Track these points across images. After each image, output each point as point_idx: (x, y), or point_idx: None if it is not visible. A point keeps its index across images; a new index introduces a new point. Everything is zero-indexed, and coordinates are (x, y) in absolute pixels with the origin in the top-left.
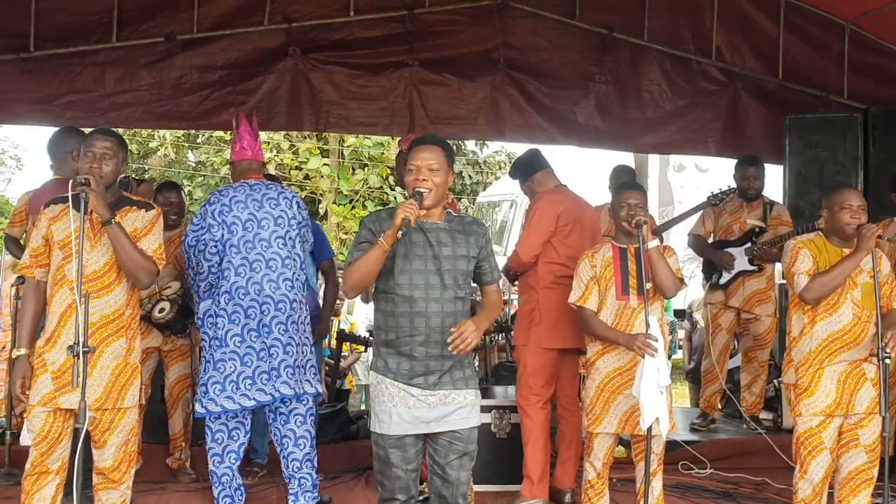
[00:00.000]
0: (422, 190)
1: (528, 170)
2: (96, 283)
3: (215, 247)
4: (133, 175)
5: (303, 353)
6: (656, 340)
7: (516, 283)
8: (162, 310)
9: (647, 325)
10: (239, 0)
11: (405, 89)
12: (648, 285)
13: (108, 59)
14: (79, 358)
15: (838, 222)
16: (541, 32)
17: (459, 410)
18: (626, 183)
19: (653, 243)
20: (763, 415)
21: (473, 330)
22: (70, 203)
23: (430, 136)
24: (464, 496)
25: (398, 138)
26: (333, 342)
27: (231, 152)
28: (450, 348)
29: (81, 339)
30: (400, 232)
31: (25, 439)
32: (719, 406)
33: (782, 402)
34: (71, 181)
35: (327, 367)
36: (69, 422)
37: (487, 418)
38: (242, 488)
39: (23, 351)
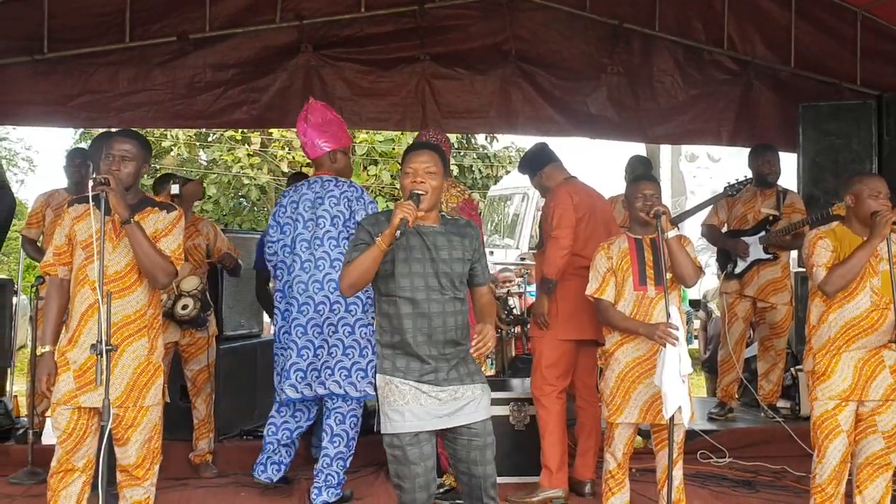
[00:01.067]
0: (419, 192)
1: (537, 164)
2: (118, 283)
3: (271, 246)
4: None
5: (349, 354)
6: (677, 329)
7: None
8: (185, 306)
9: (668, 315)
10: None
11: (417, 84)
12: (668, 275)
13: (122, 59)
14: (101, 356)
15: (863, 209)
16: (551, 24)
17: (471, 404)
18: (641, 174)
19: (672, 233)
20: (781, 403)
21: (491, 332)
22: (92, 202)
23: (424, 142)
24: (493, 486)
25: (409, 134)
26: None
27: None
28: (472, 352)
29: (104, 338)
30: (398, 232)
31: (49, 438)
32: (737, 395)
33: (800, 390)
34: (91, 181)
35: None
36: (94, 419)
37: (505, 410)
38: (282, 465)
39: (47, 348)
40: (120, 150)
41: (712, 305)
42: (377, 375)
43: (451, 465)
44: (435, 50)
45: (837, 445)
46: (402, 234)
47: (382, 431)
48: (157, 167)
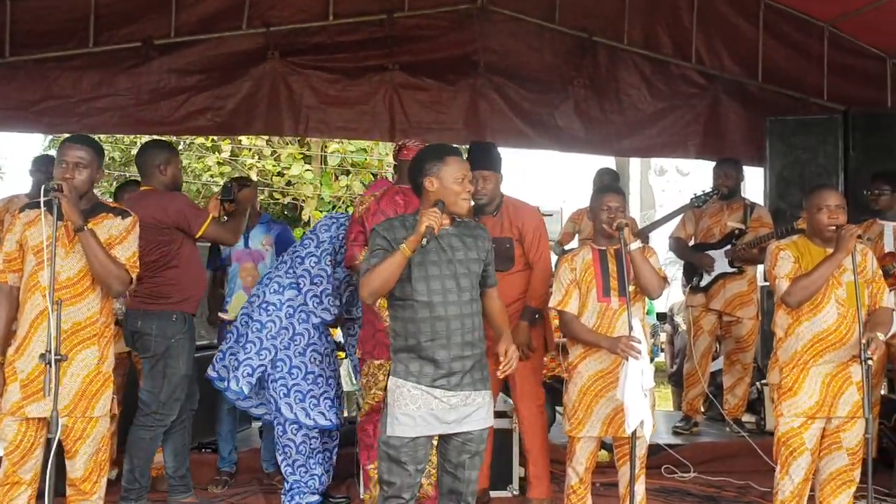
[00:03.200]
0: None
1: (500, 165)
2: (70, 290)
3: None
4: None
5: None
6: (639, 342)
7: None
8: None
9: (630, 328)
10: (217, 4)
11: (385, 93)
12: (631, 288)
13: (85, 64)
14: (51, 366)
15: (816, 223)
16: (520, 36)
17: (479, 411)
18: (606, 186)
19: (634, 245)
20: (746, 417)
21: (516, 352)
22: (43, 208)
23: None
24: (473, 494)
25: (382, 144)
26: None
27: None
28: (499, 374)
29: (53, 347)
30: (424, 240)
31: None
32: (702, 409)
33: (765, 404)
34: (43, 186)
35: None
36: (42, 431)
37: (507, 424)
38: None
39: None
40: (74, 156)
41: (679, 319)
42: (389, 378)
43: (438, 466)
44: (404, 59)
45: (801, 463)
46: (429, 242)
47: (388, 433)
48: (128, 175)
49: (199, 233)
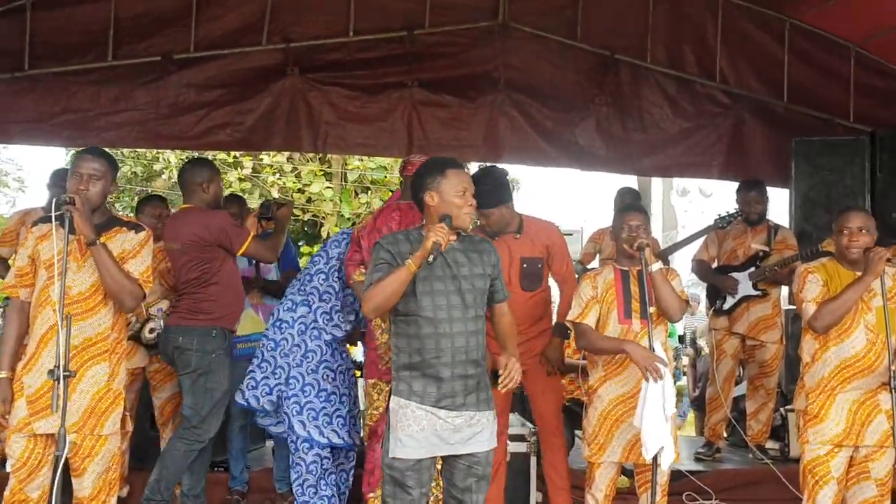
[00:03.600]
0: (450, 214)
1: (509, 193)
2: (81, 304)
3: None
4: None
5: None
6: (665, 364)
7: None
8: (152, 329)
9: (652, 350)
10: (237, 20)
11: (404, 110)
12: (652, 309)
13: (104, 77)
14: (59, 382)
15: (839, 246)
16: (542, 54)
17: (483, 432)
18: (628, 205)
19: (655, 266)
20: (769, 444)
21: (517, 365)
22: (55, 222)
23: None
24: None
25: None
26: None
27: None
28: (500, 388)
29: (62, 363)
30: (431, 256)
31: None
32: (724, 435)
33: (789, 430)
34: (55, 200)
35: None
36: (50, 448)
37: (524, 448)
38: None
39: (3, 374)
40: (87, 168)
41: (702, 342)
42: (391, 398)
43: (444, 491)
44: (424, 76)
45: (827, 493)
46: (435, 259)
47: (391, 455)
48: (150, 190)
49: (241, 250)
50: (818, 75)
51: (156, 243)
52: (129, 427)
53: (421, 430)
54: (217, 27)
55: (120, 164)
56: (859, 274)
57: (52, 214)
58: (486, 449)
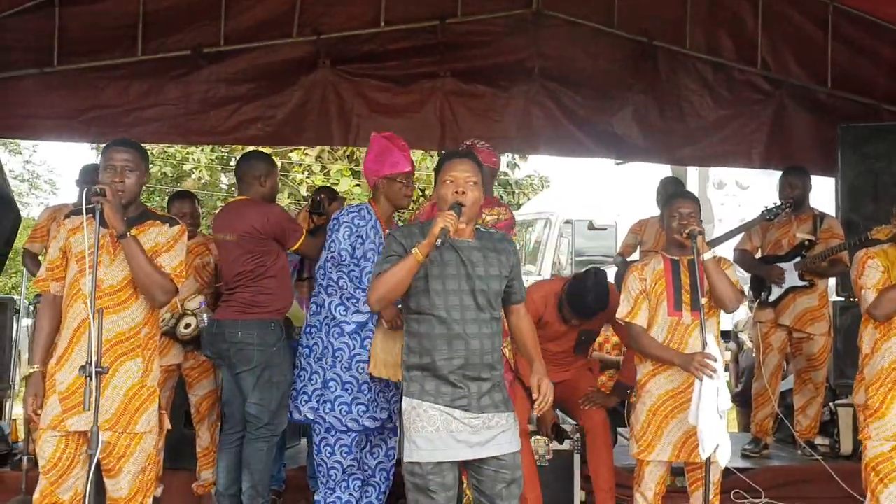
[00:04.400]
0: (463, 202)
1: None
2: (112, 297)
3: None
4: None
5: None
6: (715, 360)
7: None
8: (188, 325)
9: (704, 344)
10: (267, 12)
11: (436, 101)
12: (704, 300)
13: (133, 72)
14: (91, 378)
15: None
16: (577, 41)
17: (503, 434)
18: (679, 192)
19: (708, 255)
20: (819, 440)
21: (550, 385)
22: (85, 215)
23: (462, 150)
24: None
25: (429, 157)
26: None
27: None
28: (535, 412)
29: (94, 359)
30: (438, 241)
31: None
32: (772, 431)
33: (839, 426)
34: (85, 191)
35: None
36: (82, 447)
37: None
38: None
39: (36, 368)
40: (121, 159)
41: (744, 336)
42: (403, 399)
43: (474, 500)
44: (456, 66)
45: (893, 491)
46: (443, 244)
47: (407, 459)
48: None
49: (295, 247)
50: (862, 59)
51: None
52: (166, 427)
53: (436, 431)
54: (247, 20)
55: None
56: None
57: (84, 207)
58: (510, 451)
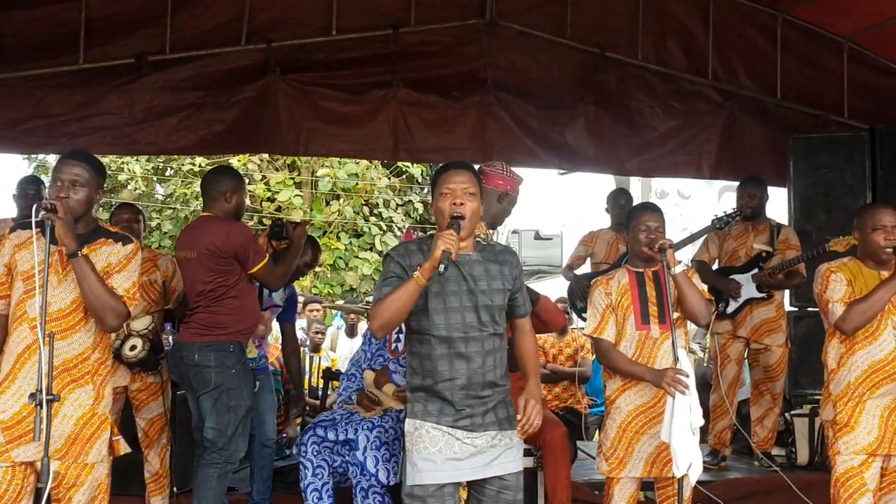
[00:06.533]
0: (459, 214)
1: None
2: (61, 322)
3: None
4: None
5: None
6: (687, 376)
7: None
8: (133, 347)
9: (676, 359)
10: (214, 19)
11: (389, 112)
12: (675, 314)
13: (75, 80)
14: (41, 407)
15: (872, 245)
16: (529, 52)
17: (507, 452)
18: (644, 204)
19: (679, 268)
20: (775, 451)
21: (536, 406)
22: (34, 231)
23: (460, 161)
24: None
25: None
26: (317, 380)
27: None
28: (519, 434)
29: (45, 386)
30: (441, 266)
31: None
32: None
33: (795, 436)
34: (35, 206)
35: (308, 408)
36: (29, 478)
37: (529, 462)
38: None
39: None
40: (70, 174)
41: (695, 346)
42: (406, 420)
43: None
44: (409, 76)
45: None
46: (446, 269)
47: (409, 482)
48: (113, 201)
49: (254, 270)
50: (811, 71)
51: None
52: (122, 452)
53: (438, 452)
54: (193, 27)
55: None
56: (884, 274)
57: (32, 220)
58: (514, 471)
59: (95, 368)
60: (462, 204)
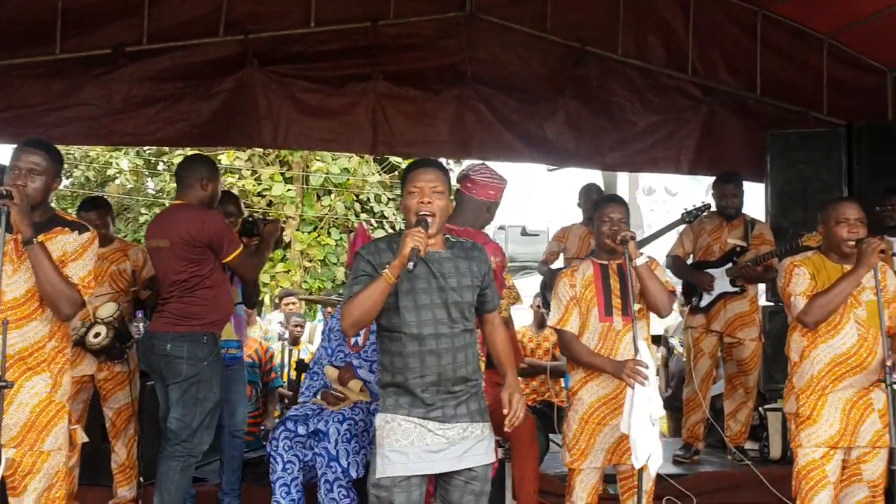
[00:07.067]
0: (427, 213)
1: None
2: (16, 311)
3: None
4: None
5: None
6: (646, 367)
7: None
8: (97, 334)
9: (636, 350)
10: (192, 11)
11: (368, 104)
12: (636, 306)
13: (52, 70)
14: None
15: (835, 238)
16: (509, 46)
17: (478, 444)
18: (609, 196)
19: (641, 260)
20: (749, 444)
21: (522, 400)
22: None
23: (429, 159)
24: None
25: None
26: (293, 372)
27: None
28: (506, 428)
29: None
30: (410, 263)
31: None
32: (702, 436)
33: (768, 430)
34: None
35: (286, 400)
36: None
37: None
38: None
39: None
40: (27, 162)
41: (674, 341)
42: (378, 415)
43: None
44: (388, 68)
45: (823, 498)
46: (415, 266)
47: (379, 475)
48: (104, 195)
49: (228, 259)
50: (791, 67)
51: (100, 247)
52: (79, 441)
53: (410, 445)
54: (171, 18)
55: (72, 169)
56: (848, 267)
57: None
58: (483, 463)
59: (52, 357)
60: (429, 203)
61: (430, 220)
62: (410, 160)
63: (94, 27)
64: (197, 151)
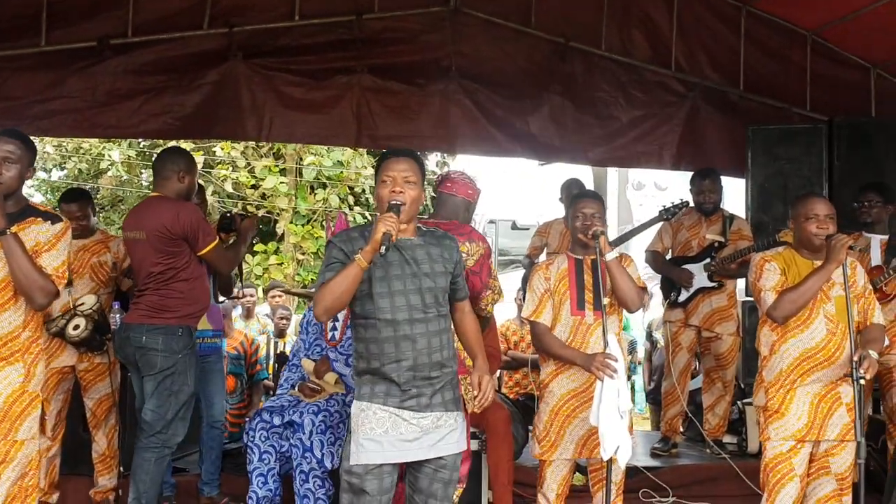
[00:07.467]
0: (398, 202)
1: None
2: None
3: None
4: (231, 210)
5: None
6: (615, 360)
7: None
8: (77, 326)
9: (606, 344)
10: (177, 4)
11: (352, 98)
12: (606, 300)
13: (37, 63)
14: None
15: (804, 233)
16: (494, 40)
17: (451, 434)
18: (583, 192)
19: (611, 255)
20: (727, 438)
21: (489, 381)
22: None
23: (403, 148)
24: None
25: (360, 157)
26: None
27: None
28: (476, 409)
29: None
30: (382, 247)
31: None
32: (681, 429)
33: (747, 425)
34: None
35: (271, 392)
36: None
37: (475, 445)
38: None
39: None
40: (2, 150)
41: (657, 335)
42: (353, 403)
43: (407, 497)
44: (372, 62)
45: (790, 491)
46: (387, 251)
47: (353, 462)
48: (97, 187)
49: (203, 251)
50: (774, 63)
51: (81, 238)
52: (49, 433)
53: (385, 433)
54: (156, 11)
55: (64, 161)
56: (818, 263)
57: None
58: (454, 452)
59: (26, 346)
60: (401, 192)
61: (402, 207)
62: None
63: (79, 19)
64: (183, 144)
